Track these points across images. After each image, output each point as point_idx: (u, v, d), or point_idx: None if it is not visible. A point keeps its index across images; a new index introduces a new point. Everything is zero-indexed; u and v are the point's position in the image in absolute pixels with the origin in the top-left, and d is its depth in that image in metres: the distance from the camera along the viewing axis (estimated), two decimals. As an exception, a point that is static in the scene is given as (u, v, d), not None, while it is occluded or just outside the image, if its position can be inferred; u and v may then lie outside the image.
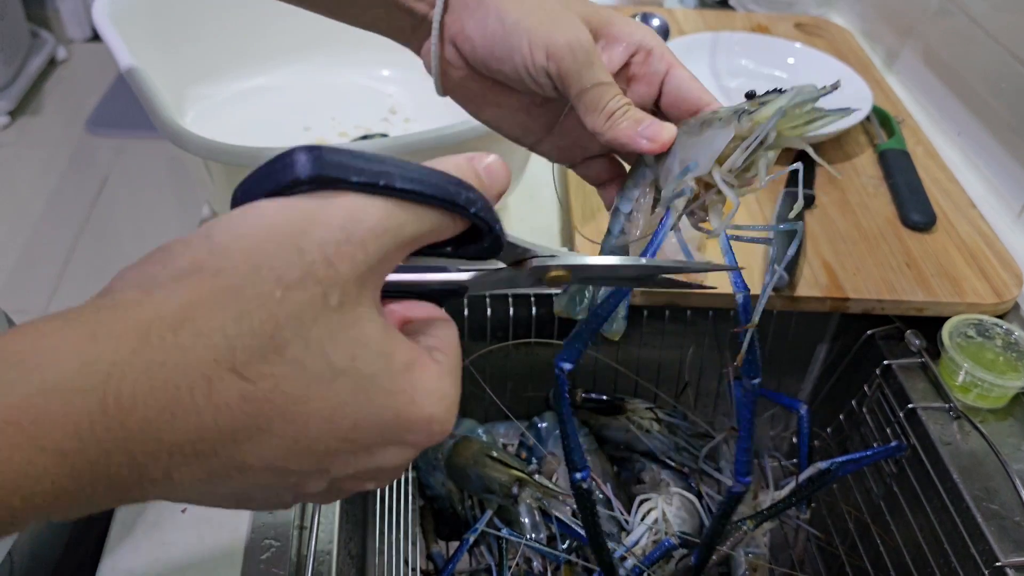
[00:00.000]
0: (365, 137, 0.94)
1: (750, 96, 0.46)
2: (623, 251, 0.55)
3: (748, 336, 0.52)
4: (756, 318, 0.51)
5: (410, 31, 0.52)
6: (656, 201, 0.51)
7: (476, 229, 0.33)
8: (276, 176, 0.29)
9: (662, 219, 0.48)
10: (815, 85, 0.45)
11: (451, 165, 0.33)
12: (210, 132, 0.95)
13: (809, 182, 0.92)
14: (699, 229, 0.50)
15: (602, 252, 0.55)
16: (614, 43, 0.50)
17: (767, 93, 0.46)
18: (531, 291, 0.84)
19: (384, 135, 0.96)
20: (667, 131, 0.48)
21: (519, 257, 0.37)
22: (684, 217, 0.49)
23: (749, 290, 0.52)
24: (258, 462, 0.29)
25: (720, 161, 0.46)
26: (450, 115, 1.00)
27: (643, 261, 0.42)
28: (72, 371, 0.25)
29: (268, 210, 0.29)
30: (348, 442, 0.30)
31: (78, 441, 0.25)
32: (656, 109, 0.52)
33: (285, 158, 0.29)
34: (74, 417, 0.25)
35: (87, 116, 2.87)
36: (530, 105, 0.53)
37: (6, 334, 0.27)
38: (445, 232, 0.32)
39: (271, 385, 0.28)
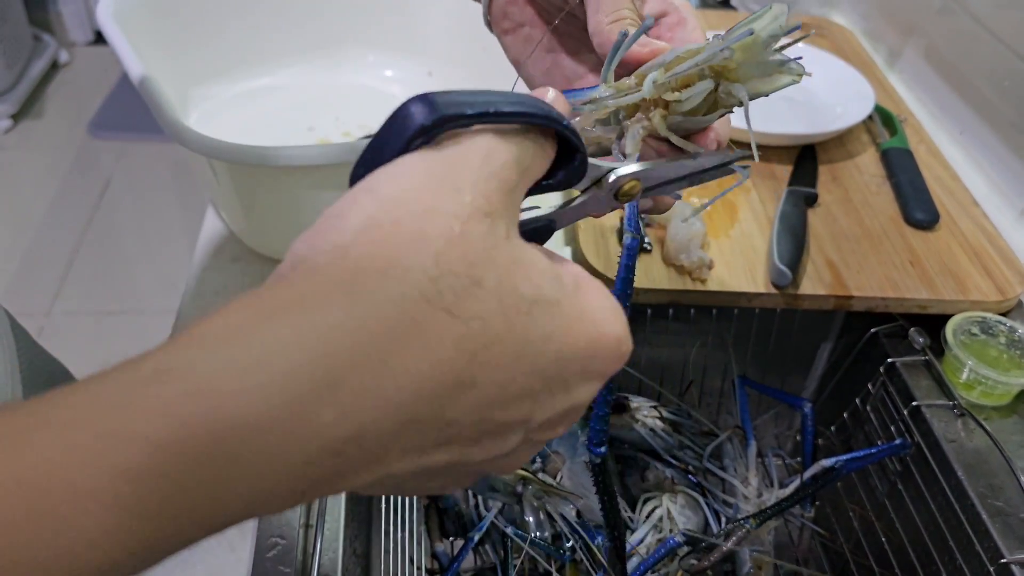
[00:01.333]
0: (368, 137, 0.94)
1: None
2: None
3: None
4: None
5: None
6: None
7: (566, 150, 0.34)
8: (400, 131, 0.30)
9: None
10: (783, 6, 0.41)
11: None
12: (214, 132, 0.95)
13: (812, 180, 0.92)
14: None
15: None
16: None
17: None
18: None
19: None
20: (660, 44, 0.46)
21: (596, 177, 0.39)
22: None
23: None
24: (462, 418, 0.27)
25: (667, 69, 0.42)
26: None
27: (701, 160, 0.43)
28: (294, 347, 0.24)
29: (412, 161, 0.29)
30: (548, 380, 0.29)
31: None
32: None
33: (403, 113, 0.30)
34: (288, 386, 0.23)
35: (89, 119, 2.88)
36: (556, 49, 0.54)
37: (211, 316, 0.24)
38: (547, 156, 0.33)
39: (480, 326, 0.26)
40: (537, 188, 0.35)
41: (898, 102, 1.08)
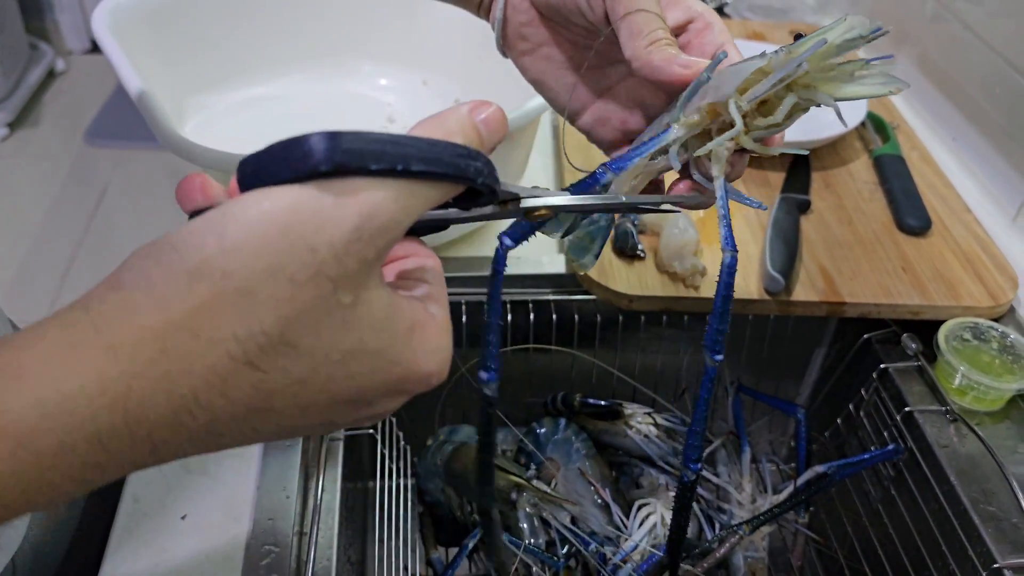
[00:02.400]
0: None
1: (797, 38, 0.44)
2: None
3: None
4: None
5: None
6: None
7: (476, 190, 0.34)
8: (292, 163, 0.29)
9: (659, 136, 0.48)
10: (867, 19, 0.42)
11: (454, 123, 0.34)
12: (210, 142, 0.96)
13: (805, 187, 0.92)
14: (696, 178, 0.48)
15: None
16: (674, 5, 0.50)
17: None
18: (529, 297, 0.84)
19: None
20: (702, 63, 0.47)
21: (505, 199, 0.38)
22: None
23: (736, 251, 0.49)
24: (266, 429, 0.31)
25: (742, 91, 0.44)
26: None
27: (621, 199, 0.44)
28: (93, 385, 0.27)
29: (281, 204, 0.29)
30: (350, 403, 0.32)
31: (98, 450, 0.28)
32: None
33: (302, 144, 0.29)
34: (93, 430, 0.27)
35: (86, 127, 2.88)
36: (578, 61, 0.54)
37: (14, 342, 0.28)
38: (451, 195, 0.34)
39: (282, 374, 0.29)
40: (440, 207, 0.35)
41: (891, 109, 1.09)
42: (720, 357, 0.51)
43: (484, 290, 0.83)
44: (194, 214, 0.32)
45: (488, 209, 0.38)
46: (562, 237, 0.57)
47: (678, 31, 0.50)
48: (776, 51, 0.44)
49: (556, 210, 0.40)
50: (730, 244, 0.48)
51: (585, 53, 0.54)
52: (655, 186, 0.51)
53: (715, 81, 0.46)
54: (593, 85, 0.54)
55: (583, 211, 0.44)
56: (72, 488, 0.28)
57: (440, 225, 0.38)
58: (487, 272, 0.84)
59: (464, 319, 0.84)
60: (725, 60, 0.47)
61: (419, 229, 0.38)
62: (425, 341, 0.34)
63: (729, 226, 0.48)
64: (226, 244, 0.28)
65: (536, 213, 0.40)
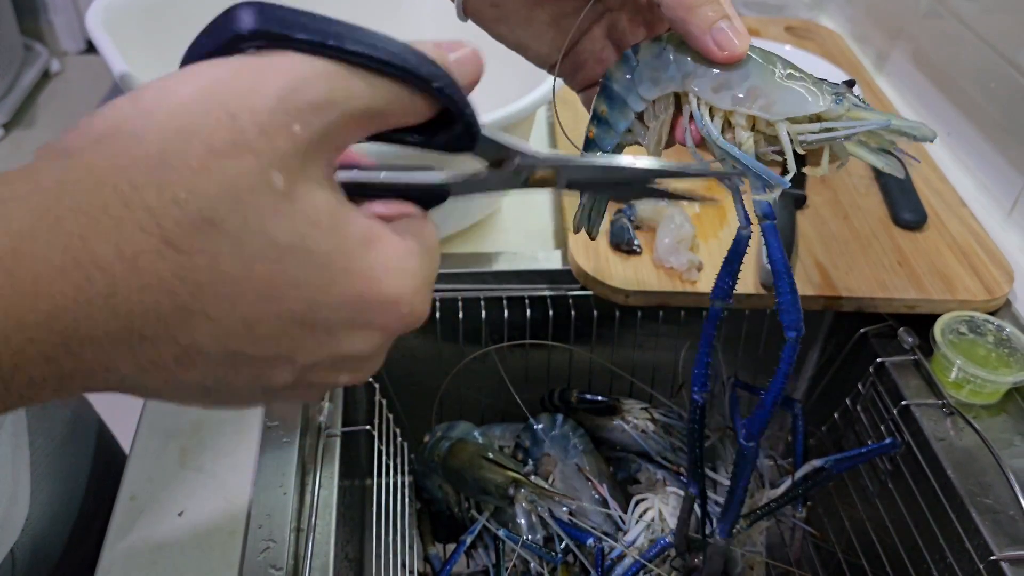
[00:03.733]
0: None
1: (850, 84, 0.46)
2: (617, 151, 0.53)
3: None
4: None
5: None
6: (677, 112, 0.49)
7: (446, 114, 0.31)
8: (217, 33, 0.27)
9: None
10: (933, 131, 0.46)
11: (423, 47, 0.30)
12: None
13: (800, 182, 0.92)
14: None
15: (599, 147, 0.53)
16: None
17: (859, 98, 0.46)
18: (526, 293, 0.84)
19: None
20: (742, 44, 0.44)
21: (501, 156, 0.35)
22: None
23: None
24: (206, 346, 0.27)
25: (792, 122, 0.45)
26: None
27: (640, 163, 0.38)
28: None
29: (201, 71, 0.27)
30: (305, 325, 0.28)
31: None
32: None
33: (227, 13, 0.27)
34: None
35: (81, 128, 2.88)
36: (560, 16, 0.50)
37: None
38: (407, 111, 0.30)
39: (207, 261, 0.25)
40: (414, 143, 0.32)
41: (886, 104, 1.09)
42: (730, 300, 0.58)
43: (479, 286, 0.84)
44: None
45: (478, 169, 0.35)
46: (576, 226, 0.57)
47: None
48: (833, 92, 0.45)
49: (563, 172, 0.36)
50: (747, 221, 0.52)
51: (563, 20, 0.50)
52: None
53: (770, 92, 0.45)
54: (569, 32, 0.51)
55: (596, 181, 0.39)
56: None
57: (436, 192, 0.34)
58: (482, 268, 0.84)
59: (460, 315, 0.84)
60: (773, 54, 0.47)
61: (417, 197, 0.34)
62: (388, 257, 0.29)
63: (742, 204, 0.52)
64: (140, 108, 0.26)
65: (537, 175, 0.36)
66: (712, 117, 0.48)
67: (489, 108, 0.94)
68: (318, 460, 0.69)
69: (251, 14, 0.27)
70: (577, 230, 0.58)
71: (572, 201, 0.88)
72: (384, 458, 0.76)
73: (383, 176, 0.33)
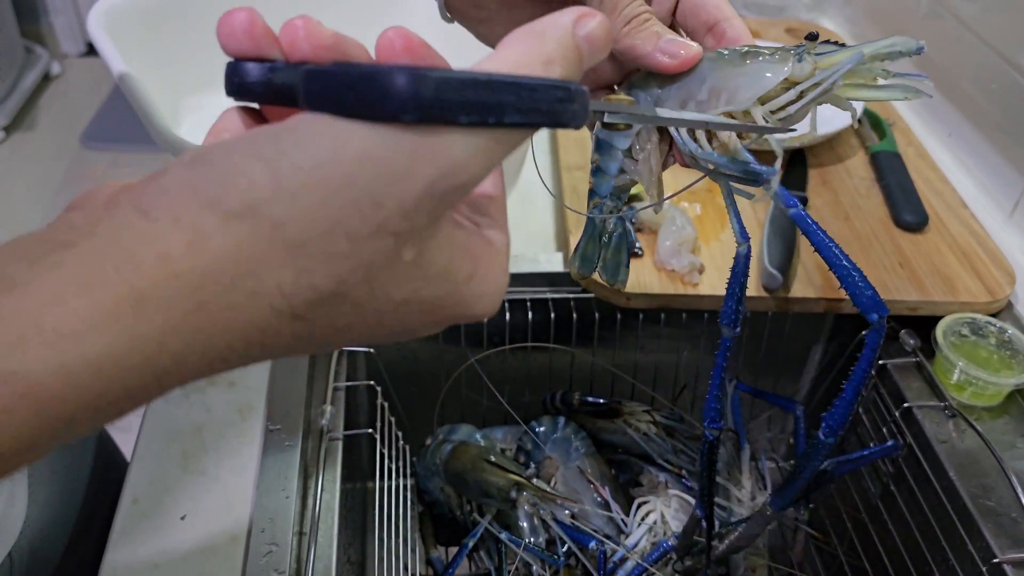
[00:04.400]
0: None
1: (812, 38, 0.43)
2: (621, 193, 0.54)
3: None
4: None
5: None
6: (660, 138, 0.49)
7: None
8: (369, 99, 0.25)
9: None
10: (914, 41, 0.41)
11: (554, 46, 0.29)
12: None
13: (802, 184, 0.92)
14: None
15: (598, 194, 0.54)
16: None
17: (826, 43, 0.43)
18: (527, 295, 0.84)
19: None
20: (690, 49, 0.44)
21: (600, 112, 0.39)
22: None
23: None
24: (294, 352, 0.29)
25: (762, 101, 0.43)
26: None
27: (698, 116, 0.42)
28: (122, 347, 0.24)
29: (351, 149, 0.25)
30: (394, 334, 0.31)
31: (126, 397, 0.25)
32: (674, 23, 0.49)
33: (383, 80, 0.25)
34: (122, 389, 0.24)
35: (82, 130, 2.88)
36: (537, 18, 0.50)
37: (22, 273, 0.24)
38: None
39: (326, 322, 0.27)
40: None
41: (886, 105, 1.09)
42: (737, 330, 0.54)
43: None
44: (237, 62, 0.30)
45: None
46: (579, 267, 0.57)
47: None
48: (792, 52, 0.43)
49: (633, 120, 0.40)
50: (744, 236, 0.50)
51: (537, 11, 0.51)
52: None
53: (728, 82, 0.44)
54: None
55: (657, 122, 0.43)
56: (87, 430, 0.26)
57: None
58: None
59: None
60: (724, 49, 0.45)
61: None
62: (483, 285, 0.31)
63: (738, 217, 0.50)
64: (281, 188, 0.25)
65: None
66: (695, 132, 0.47)
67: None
68: (320, 463, 0.69)
69: (412, 96, 0.25)
70: (577, 276, 0.58)
71: (572, 209, 0.88)
72: (386, 461, 0.76)
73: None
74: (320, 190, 0.25)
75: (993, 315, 0.80)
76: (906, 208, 0.88)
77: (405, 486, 0.81)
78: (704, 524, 0.67)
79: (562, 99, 0.28)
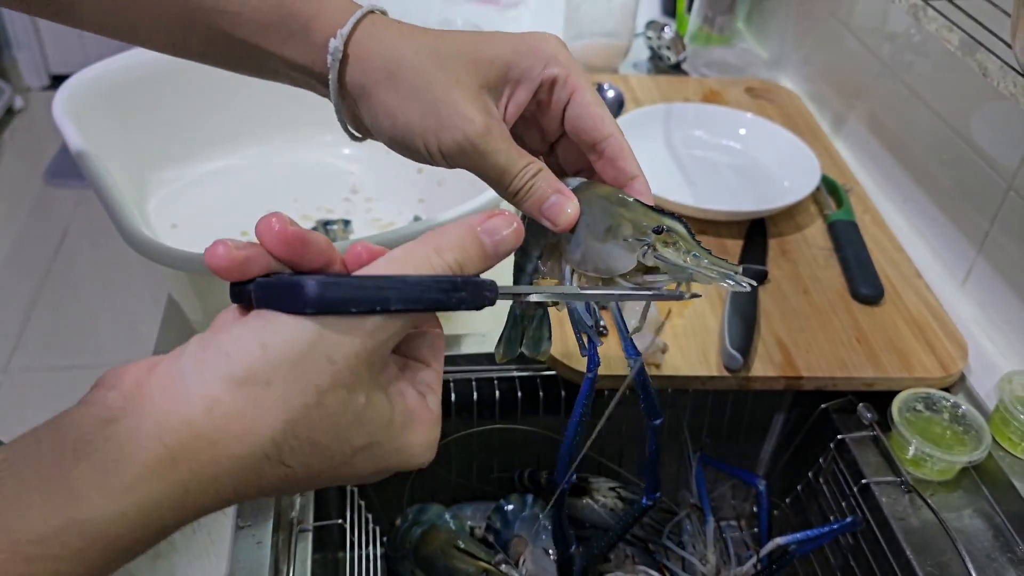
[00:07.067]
0: (327, 224, 0.96)
1: (658, 231, 0.47)
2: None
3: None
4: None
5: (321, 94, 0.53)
6: (559, 265, 0.53)
7: None
8: (294, 299, 0.35)
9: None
10: (736, 273, 0.46)
11: (453, 240, 0.39)
12: (173, 218, 0.96)
13: (762, 255, 0.94)
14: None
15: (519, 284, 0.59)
16: (518, 86, 0.50)
17: (672, 232, 0.47)
18: (496, 375, 0.85)
19: (347, 221, 0.97)
20: (568, 213, 0.49)
21: (516, 295, 0.44)
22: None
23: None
24: (273, 492, 0.37)
25: (624, 277, 0.48)
26: (411, 193, 1.02)
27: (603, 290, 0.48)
28: (162, 494, 0.32)
29: (305, 329, 0.34)
30: (349, 478, 0.39)
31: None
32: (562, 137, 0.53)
33: (300, 287, 0.35)
34: (159, 527, 0.33)
35: (46, 166, 2.85)
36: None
37: (70, 452, 0.32)
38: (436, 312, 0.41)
39: (304, 469, 0.36)
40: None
41: (843, 169, 1.12)
42: (658, 422, 0.64)
43: (449, 368, 0.85)
44: (235, 286, 0.37)
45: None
46: (503, 353, 0.61)
47: (532, 100, 0.50)
48: (640, 243, 0.46)
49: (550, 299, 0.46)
50: (631, 352, 0.57)
51: None
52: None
53: (594, 257, 0.48)
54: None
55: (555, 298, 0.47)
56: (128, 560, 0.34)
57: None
58: (451, 351, 0.85)
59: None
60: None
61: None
62: (420, 435, 0.39)
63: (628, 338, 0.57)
64: (270, 357, 0.34)
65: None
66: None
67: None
68: (291, 554, 0.70)
69: (315, 297, 0.35)
70: (502, 359, 0.61)
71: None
72: (356, 549, 0.77)
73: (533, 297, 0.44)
74: (291, 356, 0.34)
75: (947, 388, 0.82)
76: (863, 281, 0.91)
77: (376, 569, 0.81)
78: None
79: (445, 289, 0.37)
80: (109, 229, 0.72)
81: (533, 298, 0.44)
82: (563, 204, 0.49)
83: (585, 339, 0.55)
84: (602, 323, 0.83)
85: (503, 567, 0.76)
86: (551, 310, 0.60)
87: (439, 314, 0.42)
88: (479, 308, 0.38)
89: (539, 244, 0.55)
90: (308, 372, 0.34)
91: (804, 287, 0.92)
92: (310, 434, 0.35)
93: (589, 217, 0.49)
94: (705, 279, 0.46)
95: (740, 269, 0.46)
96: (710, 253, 0.46)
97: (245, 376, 0.34)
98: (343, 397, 0.35)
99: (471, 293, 0.38)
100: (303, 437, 0.35)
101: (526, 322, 0.60)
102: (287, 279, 0.35)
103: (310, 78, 0.52)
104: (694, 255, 0.46)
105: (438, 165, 0.50)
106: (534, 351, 0.61)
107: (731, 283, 0.45)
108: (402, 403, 0.39)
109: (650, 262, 0.46)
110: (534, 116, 0.52)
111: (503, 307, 0.77)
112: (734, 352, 0.79)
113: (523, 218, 0.55)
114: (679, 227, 0.47)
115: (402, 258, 0.38)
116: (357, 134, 0.54)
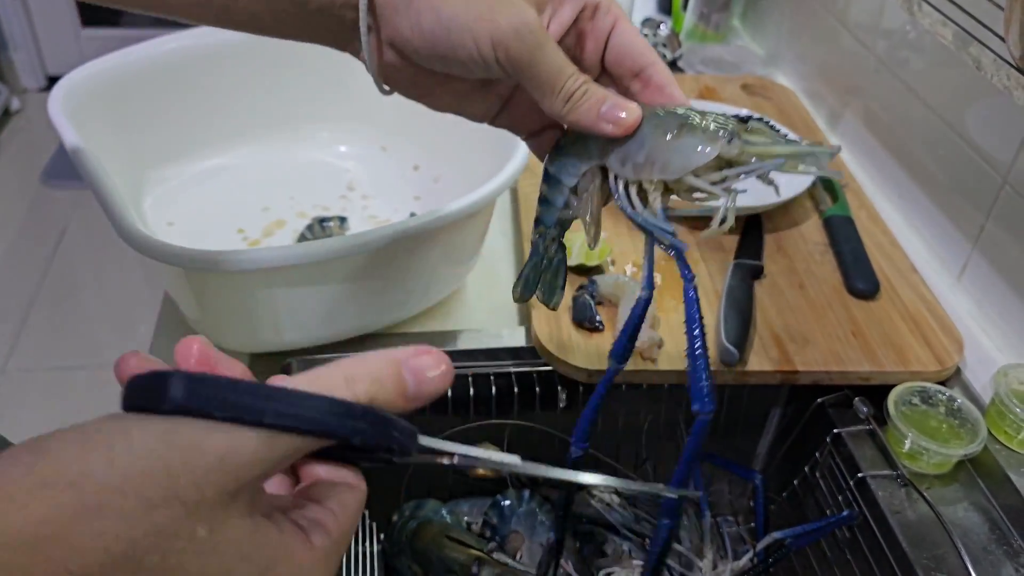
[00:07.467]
0: (323, 221, 0.96)
1: (743, 120, 0.46)
2: (564, 225, 0.58)
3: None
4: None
5: (346, 40, 0.50)
6: (603, 181, 0.53)
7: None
8: (154, 396, 0.30)
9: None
10: (827, 151, 0.45)
11: (370, 371, 0.33)
12: (169, 215, 0.96)
13: (757, 252, 0.94)
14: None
15: (543, 222, 0.58)
16: (563, 4, 0.48)
17: (759, 120, 0.47)
18: (492, 370, 0.85)
19: (343, 218, 0.97)
20: (631, 113, 0.47)
21: (438, 453, 0.36)
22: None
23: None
24: None
25: (697, 173, 0.47)
26: (407, 190, 1.02)
27: (568, 476, 0.43)
28: None
29: (151, 429, 0.29)
30: None
31: None
32: (604, 70, 0.51)
33: (163, 382, 0.30)
34: None
35: (43, 167, 2.85)
36: (484, 86, 0.52)
37: None
38: (325, 445, 0.32)
39: None
40: (351, 458, 0.35)
41: (839, 164, 1.12)
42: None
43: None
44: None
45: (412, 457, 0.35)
46: (520, 292, 0.62)
47: (573, 26, 0.49)
48: (725, 132, 0.46)
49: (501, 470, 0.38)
50: (649, 284, 0.55)
51: (489, 87, 0.52)
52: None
53: (664, 154, 0.47)
54: (500, 93, 0.53)
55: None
56: None
57: (377, 459, 0.35)
58: (447, 347, 0.85)
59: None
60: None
61: (351, 458, 0.35)
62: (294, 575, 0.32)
63: (651, 266, 0.55)
64: (87, 463, 0.28)
65: (478, 473, 0.38)
66: (629, 189, 0.51)
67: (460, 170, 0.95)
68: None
69: (181, 391, 0.30)
70: (519, 300, 0.62)
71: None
72: (354, 546, 0.77)
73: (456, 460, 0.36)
74: (121, 461, 0.28)
75: (943, 382, 0.82)
76: (858, 275, 0.91)
77: (373, 566, 0.81)
78: None
79: (340, 414, 0.31)
80: (106, 230, 0.72)
81: (452, 460, 0.36)
82: (623, 103, 0.47)
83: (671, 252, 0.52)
84: (598, 318, 0.84)
85: (496, 555, 0.76)
86: (604, 213, 0.56)
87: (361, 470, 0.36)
88: (386, 460, 0.33)
89: (573, 172, 0.53)
90: (136, 479, 0.28)
91: (800, 282, 0.92)
92: (127, 549, 0.28)
93: (655, 119, 0.48)
94: (793, 165, 0.45)
95: (825, 145, 0.46)
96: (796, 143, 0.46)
97: (52, 478, 0.28)
98: (176, 515, 0.29)
99: (374, 429, 0.32)
100: (116, 554, 0.28)
101: (545, 262, 0.60)
102: (156, 372, 0.30)
103: (337, 23, 0.48)
104: (782, 142, 0.45)
105: (477, 71, 0.46)
106: (547, 299, 0.63)
107: (821, 156, 0.45)
108: (267, 537, 0.32)
109: (735, 151, 0.45)
110: (570, 51, 0.50)
111: (508, 298, 0.78)
112: (729, 346, 0.79)
113: (551, 150, 0.54)
114: (761, 123, 0.47)
115: (305, 381, 0.33)
116: (386, 86, 0.52)
